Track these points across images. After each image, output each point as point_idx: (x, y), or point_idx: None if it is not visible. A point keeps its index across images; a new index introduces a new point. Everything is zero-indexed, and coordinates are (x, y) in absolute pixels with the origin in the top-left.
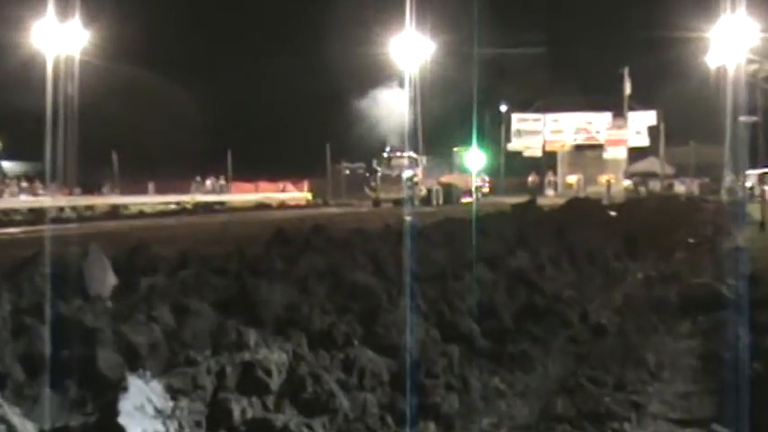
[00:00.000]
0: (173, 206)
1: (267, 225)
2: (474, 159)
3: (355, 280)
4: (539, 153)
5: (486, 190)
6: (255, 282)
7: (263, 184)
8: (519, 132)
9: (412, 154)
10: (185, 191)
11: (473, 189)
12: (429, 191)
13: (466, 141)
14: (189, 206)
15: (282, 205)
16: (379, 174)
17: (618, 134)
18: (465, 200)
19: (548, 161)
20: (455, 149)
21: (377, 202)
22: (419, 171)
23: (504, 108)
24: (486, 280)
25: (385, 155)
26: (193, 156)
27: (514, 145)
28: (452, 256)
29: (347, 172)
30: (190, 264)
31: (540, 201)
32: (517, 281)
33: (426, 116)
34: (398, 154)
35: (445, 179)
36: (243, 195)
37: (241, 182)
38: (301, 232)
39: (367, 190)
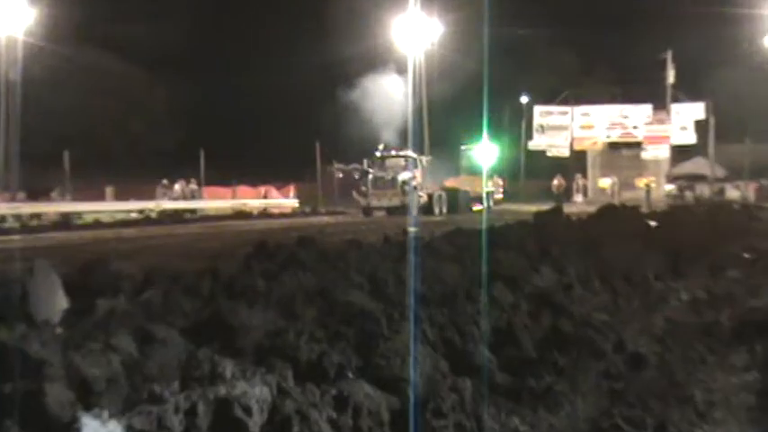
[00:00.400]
0: (135, 214)
1: (246, 237)
2: (486, 159)
3: (350, 301)
4: (565, 152)
5: (499, 196)
6: (232, 304)
7: (241, 189)
8: (542, 128)
9: (410, 153)
10: (150, 196)
11: (485, 195)
12: (430, 197)
13: (476, 138)
14: (154, 214)
15: (264, 214)
16: (371, 177)
17: (659, 130)
18: (475, 207)
19: (576, 162)
20: (463, 147)
21: (367, 211)
22: (418, 173)
23: (524, 99)
24: (504, 302)
25: (377, 153)
26: (160, 156)
27: (537, 143)
28: (464, 273)
29: (340, 175)
30: (155, 283)
31: (568, 208)
32: (540, 303)
33: (431, 109)
34: (393, 153)
35: (451, 183)
36: (218, 202)
37: (216, 186)
38: (286, 245)
39: (356, 195)
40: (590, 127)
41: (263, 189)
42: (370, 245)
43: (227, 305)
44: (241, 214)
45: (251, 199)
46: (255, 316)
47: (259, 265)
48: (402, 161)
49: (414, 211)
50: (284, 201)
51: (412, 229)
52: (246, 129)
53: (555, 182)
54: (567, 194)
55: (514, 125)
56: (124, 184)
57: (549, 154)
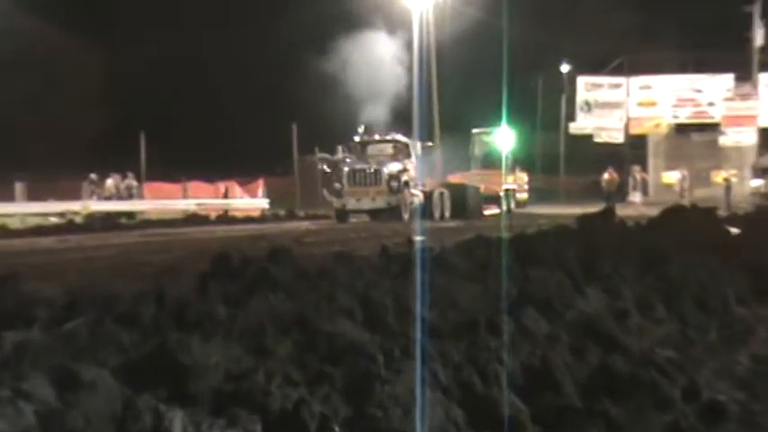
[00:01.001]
0: (54, 219)
1: (202, 249)
2: (505, 146)
3: (337, 332)
4: (619, 137)
5: (523, 196)
6: (183, 336)
7: (194, 186)
8: (588, 105)
9: (399, 137)
10: (74, 196)
11: (503, 194)
12: (428, 196)
13: (495, 119)
14: (80, 219)
15: (225, 218)
16: (346, 169)
17: (743, 108)
18: (489, 211)
19: (633, 150)
20: (475, 132)
21: (342, 215)
22: (411, 164)
23: (565, 68)
24: (538, 333)
25: (356, 138)
26: (87, 143)
27: (581, 125)
28: (486, 295)
29: (324, 167)
30: (81, 309)
31: (622, 211)
32: (586, 335)
33: (441, 81)
34: (377, 137)
35: (456, 178)
36: (164, 202)
37: (161, 182)
38: (254, 260)
39: (327, 195)
40: (651, 104)
41: (222, 186)
42: (362, 258)
43: (175, 338)
44: (194, 219)
45: (207, 199)
46: (213, 352)
47: (218, 285)
48: (389, 148)
49: (405, 215)
50: (251, 201)
51: (417, 238)
52: (201, 108)
53: (605, 176)
54: (620, 193)
55: (551, 102)
56: (39, 180)
57: (597, 139)
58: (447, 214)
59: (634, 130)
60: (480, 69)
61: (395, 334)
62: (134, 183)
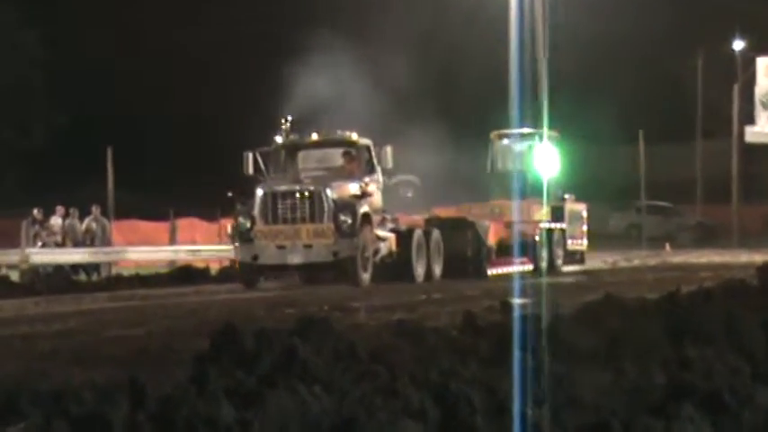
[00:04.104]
0: None
1: (198, 318)
2: (547, 162)
3: None
4: None
5: (582, 244)
6: None
7: (186, 224)
8: None
9: (354, 137)
10: (10, 241)
11: (538, 237)
12: (404, 238)
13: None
14: (18, 276)
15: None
16: (260, 193)
17: None
18: (509, 267)
19: None
20: (493, 135)
21: (249, 272)
22: (376, 184)
23: (738, 46)
24: None
25: (279, 140)
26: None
27: (764, 129)
28: (622, 386)
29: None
30: (24, 410)
31: None
32: None
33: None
34: (315, 137)
35: (454, 212)
36: (143, 250)
37: (137, 219)
38: (274, 334)
39: (230, 231)
40: None
41: (227, 224)
42: (436, 332)
43: None
44: (187, 274)
45: (204, 245)
46: None
47: (222, 375)
48: (337, 156)
49: (363, 276)
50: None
51: (518, 301)
52: (194, 114)
53: None
54: None
55: (716, 95)
56: None
57: None
58: (436, 269)
59: None
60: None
61: None
62: (101, 221)
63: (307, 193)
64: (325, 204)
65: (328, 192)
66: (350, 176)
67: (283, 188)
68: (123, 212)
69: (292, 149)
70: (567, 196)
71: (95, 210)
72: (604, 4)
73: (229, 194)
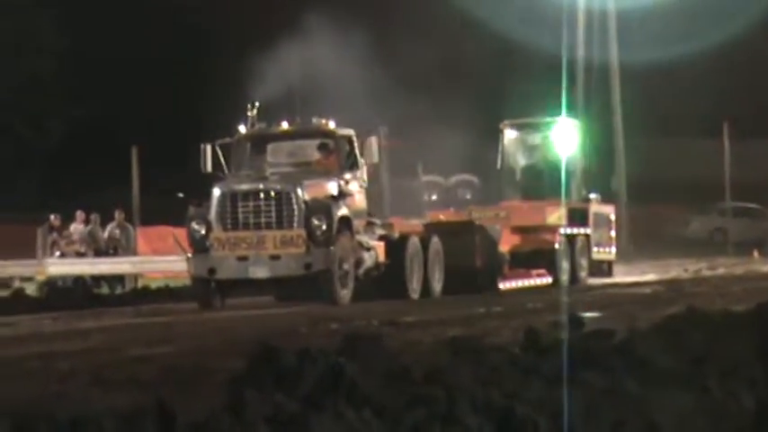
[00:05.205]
0: None
1: (233, 336)
2: (568, 155)
3: None
4: None
5: (609, 253)
6: None
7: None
8: None
9: (332, 125)
10: (26, 251)
11: (557, 243)
12: (396, 249)
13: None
14: (33, 289)
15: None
16: (217, 192)
17: None
18: (522, 281)
19: None
20: (503, 125)
21: (204, 288)
22: (358, 183)
23: None
24: None
25: (242, 129)
26: (45, 165)
27: None
28: (706, 412)
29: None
30: None
31: None
32: None
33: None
34: (285, 126)
35: (454, 215)
36: (170, 258)
37: (163, 225)
38: (319, 353)
39: (178, 244)
40: None
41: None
42: (496, 350)
43: None
44: None
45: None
46: None
47: (260, 399)
48: (311, 150)
49: (341, 292)
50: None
51: (587, 315)
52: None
53: None
54: None
55: None
56: None
57: None
58: (436, 283)
59: None
60: None
61: None
62: (125, 227)
63: (273, 194)
64: (295, 206)
65: (299, 191)
66: (326, 173)
67: (245, 187)
68: (150, 218)
69: (259, 141)
70: (592, 196)
71: (119, 215)
72: None
73: (180, 195)
